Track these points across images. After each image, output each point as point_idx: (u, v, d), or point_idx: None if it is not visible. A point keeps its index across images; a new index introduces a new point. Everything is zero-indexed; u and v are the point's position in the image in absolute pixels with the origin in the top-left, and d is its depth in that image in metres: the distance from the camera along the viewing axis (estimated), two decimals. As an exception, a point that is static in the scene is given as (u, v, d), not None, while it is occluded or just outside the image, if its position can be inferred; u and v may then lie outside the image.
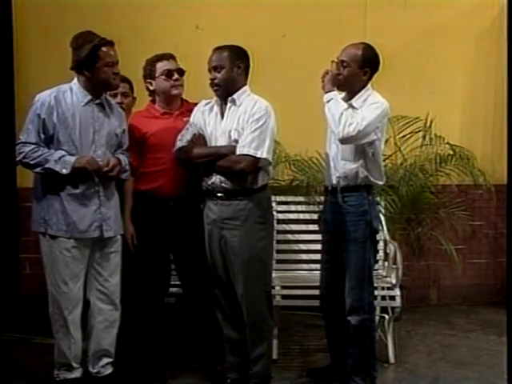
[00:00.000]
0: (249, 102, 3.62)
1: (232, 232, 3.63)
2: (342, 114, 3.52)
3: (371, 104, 3.60)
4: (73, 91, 3.56)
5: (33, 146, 3.50)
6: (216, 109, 3.71)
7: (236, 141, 3.59)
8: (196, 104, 3.87)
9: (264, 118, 3.58)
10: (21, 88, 5.09)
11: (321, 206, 4.21)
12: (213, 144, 3.69)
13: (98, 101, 3.60)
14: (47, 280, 3.61)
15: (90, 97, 3.56)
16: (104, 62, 3.50)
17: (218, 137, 3.67)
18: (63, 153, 3.49)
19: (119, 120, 3.72)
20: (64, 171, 3.47)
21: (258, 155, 3.55)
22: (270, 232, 3.75)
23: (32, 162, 3.50)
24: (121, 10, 5.14)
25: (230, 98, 3.64)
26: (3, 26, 5.08)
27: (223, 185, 3.62)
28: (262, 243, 3.66)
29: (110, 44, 3.55)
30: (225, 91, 3.64)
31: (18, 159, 3.57)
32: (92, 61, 3.49)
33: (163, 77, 3.89)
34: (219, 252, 3.70)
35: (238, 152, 3.56)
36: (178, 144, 3.72)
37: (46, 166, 3.48)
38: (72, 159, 3.48)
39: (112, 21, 5.10)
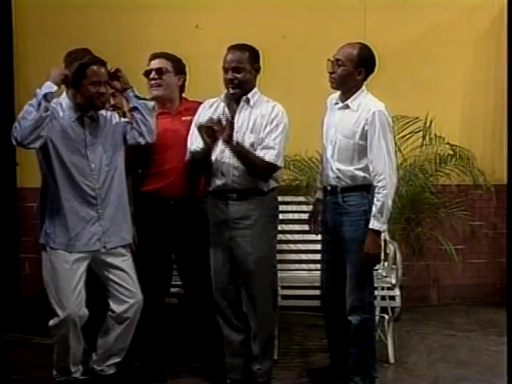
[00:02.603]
0: (264, 105, 3.65)
1: (243, 232, 3.63)
2: (382, 203, 3.53)
3: (379, 141, 3.55)
4: (62, 107, 3.55)
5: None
6: (222, 108, 3.69)
7: (252, 144, 3.60)
8: (195, 102, 3.86)
9: (283, 124, 3.63)
10: (21, 88, 5.09)
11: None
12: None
13: (88, 114, 3.59)
14: (49, 294, 3.58)
15: (79, 112, 3.56)
16: (90, 80, 3.48)
17: None
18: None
19: (113, 126, 3.69)
20: (43, 91, 3.34)
21: (279, 164, 3.63)
22: (275, 231, 3.79)
23: (24, 115, 3.33)
24: (120, 10, 5.14)
25: (244, 97, 3.64)
26: (3, 26, 5.09)
27: (235, 185, 3.62)
28: (272, 242, 3.71)
29: (101, 63, 3.53)
30: (242, 92, 3.64)
31: (14, 134, 3.36)
32: (78, 78, 3.48)
33: (145, 76, 3.89)
34: (227, 253, 3.69)
35: (266, 158, 3.57)
36: (192, 149, 3.68)
37: (31, 105, 3.34)
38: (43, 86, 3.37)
39: (112, 21, 5.11)
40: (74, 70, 3.48)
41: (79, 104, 3.55)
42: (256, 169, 3.60)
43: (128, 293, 3.65)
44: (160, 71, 3.85)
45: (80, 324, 3.58)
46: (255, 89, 3.69)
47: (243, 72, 3.61)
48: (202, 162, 3.67)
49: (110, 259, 3.63)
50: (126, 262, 3.68)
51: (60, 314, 3.55)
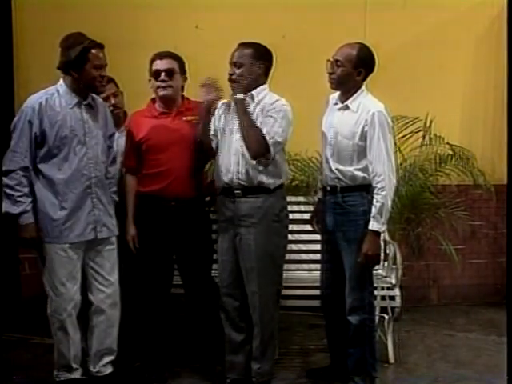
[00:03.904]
0: (268, 100, 3.64)
1: (248, 229, 3.63)
2: (382, 204, 3.53)
3: (378, 141, 3.54)
4: (60, 94, 3.55)
5: (19, 173, 3.49)
6: (230, 106, 3.71)
7: None
8: (197, 102, 3.85)
9: (281, 113, 3.61)
10: (21, 88, 5.09)
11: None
12: (227, 138, 3.66)
13: (85, 102, 3.59)
14: (44, 282, 3.61)
15: (77, 98, 3.56)
16: (92, 64, 3.50)
17: (233, 130, 3.64)
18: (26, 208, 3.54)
19: (108, 121, 3.72)
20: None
21: (271, 150, 3.57)
22: (284, 231, 3.77)
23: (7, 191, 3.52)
24: (120, 11, 5.14)
25: (249, 94, 3.64)
26: (3, 25, 5.08)
27: (240, 182, 3.63)
28: (277, 241, 3.70)
29: (100, 47, 3.54)
30: (240, 88, 3.62)
31: (4, 168, 3.51)
32: (81, 62, 3.49)
33: (153, 77, 3.86)
34: (232, 250, 3.70)
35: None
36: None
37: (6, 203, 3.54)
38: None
39: (112, 21, 5.11)
40: (76, 54, 3.47)
41: (79, 89, 3.55)
42: (252, 137, 3.55)
43: (105, 282, 3.67)
44: (170, 72, 3.81)
45: (75, 311, 3.60)
46: (263, 86, 3.69)
47: (242, 68, 3.60)
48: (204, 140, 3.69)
49: (97, 247, 3.65)
50: (111, 251, 3.69)
51: (54, 298, 3.57)
